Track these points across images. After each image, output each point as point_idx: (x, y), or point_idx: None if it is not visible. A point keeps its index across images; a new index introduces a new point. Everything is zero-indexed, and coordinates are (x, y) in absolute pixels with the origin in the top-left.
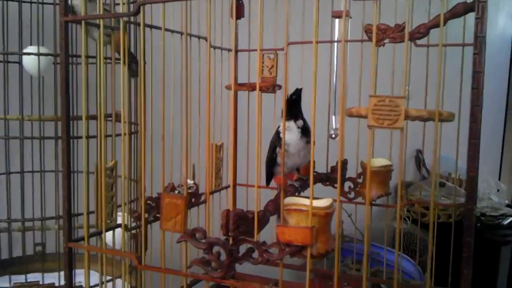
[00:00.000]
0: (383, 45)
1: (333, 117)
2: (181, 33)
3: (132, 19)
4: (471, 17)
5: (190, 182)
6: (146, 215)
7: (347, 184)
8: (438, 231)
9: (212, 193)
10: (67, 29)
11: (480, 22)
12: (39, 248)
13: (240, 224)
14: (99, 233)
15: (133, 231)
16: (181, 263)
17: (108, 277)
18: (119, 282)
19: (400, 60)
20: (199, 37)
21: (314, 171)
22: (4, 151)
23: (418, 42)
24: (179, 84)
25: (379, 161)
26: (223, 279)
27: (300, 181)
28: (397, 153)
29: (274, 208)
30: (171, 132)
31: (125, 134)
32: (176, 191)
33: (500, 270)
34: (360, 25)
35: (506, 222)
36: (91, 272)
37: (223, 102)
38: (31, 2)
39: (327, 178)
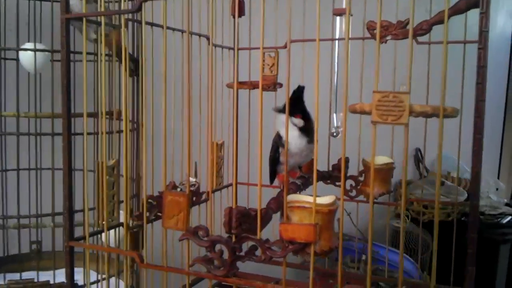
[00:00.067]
0: (385, 42)
1: (334, 115)
2: (182, 31)
3: (131, 18)
4: (472, 15)
5: (192, 180)
6: (147, 214)
7: (349, 182)
8: (438, 230)
9: (213, 191)
10: (68, 27)
11: (485, 16)
12: (35, 246)
13: (243, 221)
14: (100, 232)
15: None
16: (182, 262)
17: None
18: (116, 281)
19: (401, 57)
20: (199, 35)
21: None
22: (0, 148)
23: (420, 39)
24: (180, 82)
25: (380, 159)
26: (226, 277)
27: (302, 179)
28: (397, 151)
29: (276, 205)
30: (172, 130)
31: (122, 131)
32: (178, 189)
33: (499, 269)
34: (360, 22)
35: (505, 221)
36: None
37: (223, 101)
38: None
39: (328, 176)
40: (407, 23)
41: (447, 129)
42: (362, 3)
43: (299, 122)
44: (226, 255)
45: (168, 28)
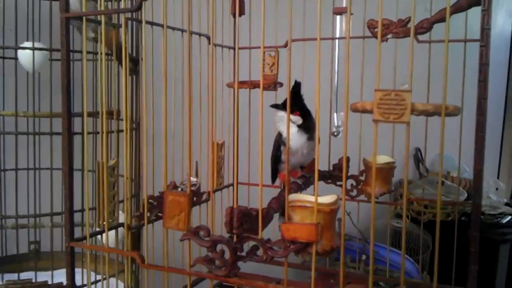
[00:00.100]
0: (386, 40)
1: (335, 114)
2: (182, 31)
3: (131, 17)
4: (472, 14)
5: (193, 179)
6: (148, 214)
7: (349, 181)
8: (439, 230)
9: (214, 191)
10: (68, 26)
11: (487, 14)
12: (33, 246)
13: (244, 221)
14: (101, 232)
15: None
16: (183, 262)
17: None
18: (115, 281)
19: (401, 56)
20: (200, 35)
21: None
22: None
23: (420, 38)
24: (180, 81)
25: (381, 158)
26: (227, 277)
27: (303, 178)
28: (397, 150)
29: (277, 205)
30: (173, 130)
31: (122, 130)
32: (179, 189)
33: (499, 268)
34: (361, 21)
35: (504, 220)
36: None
37: (224, 100)
38: None
39: (329, 176)
40: (408, 22)
41: (447, 128)
42: (362, 2)
43: (297, 119)
44: (227, 255)
45: (168, 27)
